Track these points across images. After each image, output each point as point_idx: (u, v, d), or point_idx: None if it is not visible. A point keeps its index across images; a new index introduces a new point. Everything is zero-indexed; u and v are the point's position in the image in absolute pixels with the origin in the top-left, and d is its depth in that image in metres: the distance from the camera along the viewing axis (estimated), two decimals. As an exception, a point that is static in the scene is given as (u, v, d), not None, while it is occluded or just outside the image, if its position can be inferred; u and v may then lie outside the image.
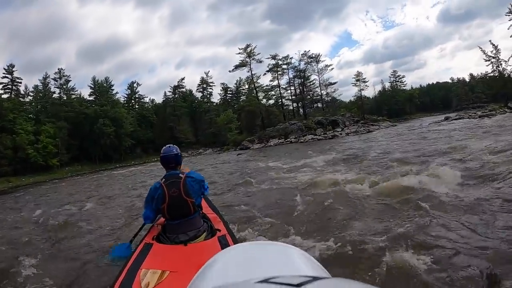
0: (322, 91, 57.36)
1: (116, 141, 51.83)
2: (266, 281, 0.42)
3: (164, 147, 3.61)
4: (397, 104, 74.99)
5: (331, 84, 57.28)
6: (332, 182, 7.62)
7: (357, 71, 69.67)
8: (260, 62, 56.09)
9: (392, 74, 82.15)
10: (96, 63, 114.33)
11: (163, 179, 3.32)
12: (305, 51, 56.33)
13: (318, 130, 41.89)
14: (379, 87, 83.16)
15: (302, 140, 38.90)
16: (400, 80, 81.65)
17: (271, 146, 40.55)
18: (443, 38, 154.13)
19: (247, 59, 55.13)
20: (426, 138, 17.29)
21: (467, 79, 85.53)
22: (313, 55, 55.93)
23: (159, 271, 2.51)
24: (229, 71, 57.74)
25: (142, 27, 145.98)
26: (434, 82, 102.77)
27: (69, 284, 4.13)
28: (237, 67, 56.33)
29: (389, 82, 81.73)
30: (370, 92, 77.99)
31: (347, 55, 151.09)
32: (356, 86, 64.52)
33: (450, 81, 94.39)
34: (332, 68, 60.08)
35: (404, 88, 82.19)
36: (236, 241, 3.11)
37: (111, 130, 50.61)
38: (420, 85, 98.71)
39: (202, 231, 3.29)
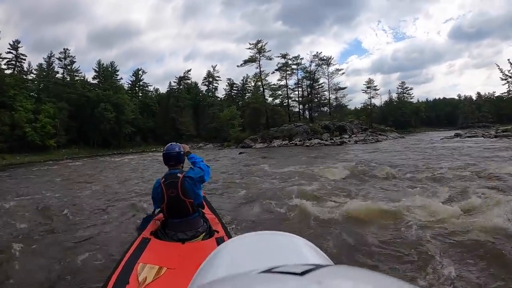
0: (330, 95, 56.58)
1: (116, 127, 50.91)
2: (269, 270, 0.43)
3: (167, 145, 3.58)
4: (403, 116, 74.28)
5: (341, 88, 56.58)
6: (348, 209, 6.26)
7: (369, 78, 69.75)
8: (270, 59, 54.75)
9: (400, 85, 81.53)
10: (105, 49, 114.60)
11: (163, 178, 3.31)
12: (317, 52, 55.55)
13: (324, 135, 40.76)
14: (385, 97, 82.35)
15: (307, 144, 37.65)
16: (407, 92, 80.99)
17: (274, 147, 39.49)
18: (453, 54, 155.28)
19: (257, 55, 53.88)
20: (445, 156, 16.02)
21: (474, 98, 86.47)
22: (325, 58, 55.06)
23: (156, 266, 2.49)
24: (238, 66, 56.35)
25: (155, 16, 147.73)
26: (441, 98, 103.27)
27: (59, 278, 3.96)
28: (246, 62, 54.93)
29: (397, 93, 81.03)
30: (376, 101, 77.38)
31: (355, 63, 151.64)
32: (366, 93, 64.06)
33: (457, 97, 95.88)
34: (343, 73, 59.47)
35: (411, 100, 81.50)
36: None
37: (112, 116, 49.56)
38: (427, 99, 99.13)
39: (201, 232, 3.28)
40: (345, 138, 39.13)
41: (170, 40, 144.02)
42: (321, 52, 55.54)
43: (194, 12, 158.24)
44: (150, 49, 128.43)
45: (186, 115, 60.59)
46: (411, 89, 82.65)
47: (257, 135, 45.76)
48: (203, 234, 3.30)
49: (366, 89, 64.66)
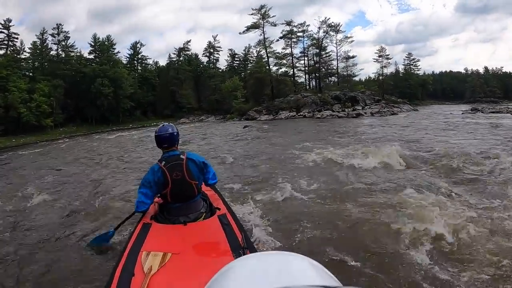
0: (338, 64, 54.00)
1: (114, 103, 49.18)
2: None
3: (159, 126, 3.42)
4: (409, 88, 71.05)
5: (350, 57, 53.82)
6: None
7: (381, 46, 66.63)
8: (275, 25, 51.84)
9: (406, 57, 78.06)
10: (105, 25, 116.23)
11: (163, 162, 3.15)
12: (325, 18, 52.42)
13: (335, 106, 38.16)
14: (390, 69, 79.29)
15: (318, 116, 35.31)
16: (414, 64, 77.86)
17: (281, 119, 37.40)
18: (458, 28, 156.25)
19: (260, 21, 50.64)
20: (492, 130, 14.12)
21: (481, 72, 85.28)
22: (333, 24, 51.96)
23: (160, 253, 2.44)
24: (240, 33, 53.30)
25: None
26: (447, 71, 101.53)
27: (64, 272, 3.86)
28: (249, 28, 51.74)
29: (403, 65, 77.60)
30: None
31: (359, 34, 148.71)
32: (378, 62, 61.21)
33: (463, 71, 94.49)
34: (352, 41, 55.74)
35: (417, 72, 78.69)
36: (236, 219, 3.05)
37: (109, 91, 47.75)
38: (433, 72, 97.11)
39: (202, 213, 3.22)
40: (359, 109, 36.43)
41: (172, 14, 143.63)
42: (329, 18, 52.55)
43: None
44: (152, 24, 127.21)
45: (187, 88, 58.63)
46: (418, 60, 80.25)
47: (261, 107, 43.62)
48: (205, 213, 3.22)
49: (377, 58, 61.97)
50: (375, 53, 63.52)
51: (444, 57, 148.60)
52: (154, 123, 46.95)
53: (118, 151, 16.47)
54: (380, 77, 61.46)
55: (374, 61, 62.61)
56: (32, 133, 38.29)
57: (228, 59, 70.75)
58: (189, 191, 3.15)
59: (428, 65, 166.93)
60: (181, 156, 3.18)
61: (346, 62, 53.64)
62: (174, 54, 64.18)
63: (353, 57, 54.24)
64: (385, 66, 61.31)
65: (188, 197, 3.17)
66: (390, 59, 62.44)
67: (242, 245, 2.56)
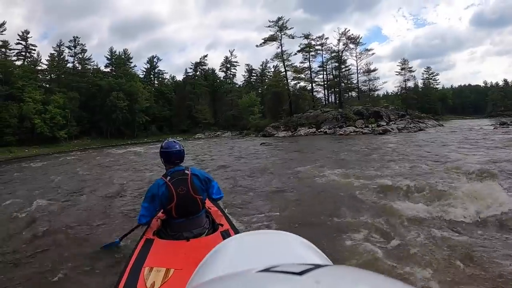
0: (359, 78, 52.11)
1: (129, 116, 48.88)
2: (267, 270, 0.43)
3: (165, 141, 3.39)
4: (428, 103, 68.59)
5: (371, 71, 51.56)
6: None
7: (403, 58, 64.61)
8: (292, 38, 49.83)
9: (425, 71, 76.01)
10: (127, 40, 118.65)
11: (168, 177, 3.09)
12: (345, 29, 50.70)
13: (358, 122, 35.76)
14: (409, 84, 77.30)
15: (341, 133, 32.99)
16: (433, 78, 75.84)
17: (301, 135, 35.49)
18: (474, 41, 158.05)
19: (278, 33, 49.11)
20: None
21: (501, 85, 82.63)
22: (353, 36, 50.05)
23: (163, 269, 2.41)
24: (257, 46, 51.68)
25: (177, 7, 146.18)
26: (463, 85, 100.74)
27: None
28: (266, 40, 49.87)
29: (422, 79, 75.44)
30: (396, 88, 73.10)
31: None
32: (401, 75, 59.27)
33: (482, 84, 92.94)
34: (373, 53, 53.90)
35: (437, 86, 76.71)
36: None
37: (125, 104, 47.54)
38: (451, 86, 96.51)
39: (206, 228, 3.18)
40: (384, 125, 33.88)
41: (192, 30, 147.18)
42: (349, 30, 50.99)
43: (216, 2, 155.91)
44: (172, 40, 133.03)
45: (203, 103, 58.08)
46: (436, 74, 77.37)
47: (279, 122, 41.93)
48: (208, 229, 3.18)
49: (400, 70, 59.66)
50: (397, 65, 61.24)
51: (461, 70, 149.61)
52: (170, 138, 46.82)
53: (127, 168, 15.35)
54: (403, 91, 59.13)
55: (397, 74, 59.76)
56: (46, 145, 38.13)
57: (245, 74, 70.46)
58: (193, 206, 3.13)
59: (445, 79, 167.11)
60: (186, 171, 3.16)
61: (368, 75, 51.58)
62: (191, 68, 64.32)
63: (374, 70, 52.09)
64: (408, 79, 59.09)
65: (192, 212, 3.13)
66: (413, 71, 60.26)
67: None
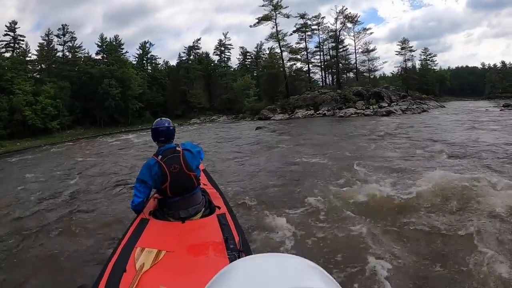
0: (357, 59, 50.81)
1: (123, 103, 47.92)
2: None
3: (156, 120, 3.38)
4: (426, 84, 66.61)
5: (369, 50, 50.10)
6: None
7: (403, 37, 63.17)
8: (288, 17, 48.27)
9: (423, 52, 73.59)
10: (121, 27, 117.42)
11: (160, 156, 3.06)
12: (343, 7, 48.71)
13: (358, 103, 34.53)
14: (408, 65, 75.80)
15: (341, 114, 31.82)
16: (431, 59, 73.94)
17: (298, 118, 34.53)
18: (471, 23, 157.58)
19: (272, 12, 47.22)
20: None
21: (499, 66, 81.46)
22: (350, 15, 48.42)
23: (154, 250, 2.40)
24: (251, 26, 50.04)
25: None
26: (460, 66, 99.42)
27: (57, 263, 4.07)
28: (260, 20, 48.02)
29: (419, 60, 73.14)
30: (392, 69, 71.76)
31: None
32: (401, 55, 58.10)
33: (480, 66, 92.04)
34: (372, 33, 52.54)
35: (434, 68, 74.96)
36: (236, 220, 2.99)
37: (117, 92, 46.57)
38: (449, 67, 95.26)
39: (202, 207, 3.16)
40: (386, 107, 32.67)
41: (186, 15, 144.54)
42: (346, 8, 49.18)
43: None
44: (167, 26, 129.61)
45: (197, 87, 56.95)
46: (434, 55, 75.27)
47: (275, 105, 41.03)
48: (203, 209, 3.16)
49: (400, 50, 58.43)
50: (398, 44, 60.19)
51: (458, 52, 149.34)
52: None
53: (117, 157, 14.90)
54: (403, 72, 57.94)
55: (396, 54, 59.27)
56: (38, 136, 37.29)
57: (240, 57, 69.37)
58: (188, 183, 3.06)
59: (442, 61, 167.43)
60: (177, 149, 3.11)
61: (368, 55, 50.28)
62: (184, 53, 62.99)
63: (373, 50, 50.61)
64: (408, 59, 58.07)
65: (187, 189, 3.07)
66: (413, 51, 59.10)
67: (238, 247, 2.44)
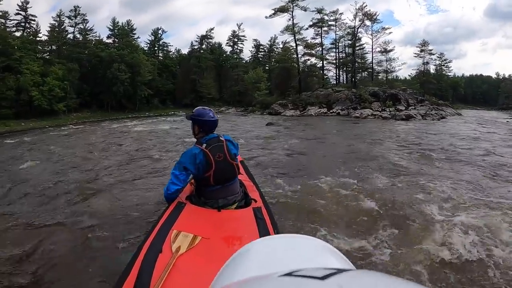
0: (374, 58, 49.58)
1: (131, 89, 47.37)
2: (290, 274, 0.44)
3: (199, 109, 3.33)
4: (440, 90, 62.87)
5: (387, 51, 48.84)
6: None
7: (423, 39, 61.49)
8: (305, 10, 46.77)
9: (438, 57, 68.78)
10: (137, 13, 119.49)
11: (204, 144, 3.07)
12: (363, 3, 47.25)
13: (374, 104, 32.99)
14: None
15: (356, 115, 30.35)
16: (446, 64, 70.33)
17: (311, 115, 33.25)
18: (487, 32, 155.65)
19: (289, 4, 45.77)
20: None
21: None
22: (370, 12, 46.91)
23: (191, 235, 2.40)
24: (266, 17, 49.26)
25: None
26: (474, 74, 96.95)
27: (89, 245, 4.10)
28: (276, 11, 46.63)
29: (434, 65, 68.85)
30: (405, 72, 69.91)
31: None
32: (420, 57, 56.64)
33: (494, 76, 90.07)
34: (390, 32, 51.01)
35: (448, 74, 72.06)
36: (271, 215, 2.92)
37: (126, 77, 45.97)
38: (463, 74, 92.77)
39: (239, 197, 3.16)
40: (404, 110, 31.01)
41: (202, 5, 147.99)
42: (366, 5, 47.32)
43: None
44: (183, 15, 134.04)
45: (208, 77, 56.51)
46: (450, 61, 72.93)
47: (287, 100, 39.82)
48: (240, 201, 3.15)
49: (419, 52, 56.89)
50: (417, 47, 58.72)
51: (472, 61, 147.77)
52: (172, 112, 47.85)
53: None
54: (422, 75, 56.36)
55: (415, 56, 57.96)
56: (44, 118, 36.77)
57: (253, 50, 68.44)
58: (230, 172, 3.09)
59: (455, 68, 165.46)
60: (221, 138, 3.14)
61: (386, 54, 49.06)
62: (196, 41, 62.36)
63: (391, 50, 49.46)
64: (427, 63, 56.56)
65: (229, 178, 3.08)
66: (433, 54, 57.65)
67: None
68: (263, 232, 2.56)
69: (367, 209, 5.09)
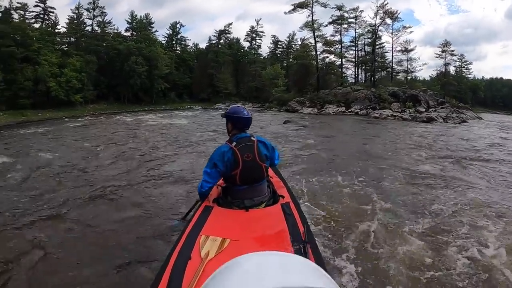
0: (394, 57, 48.34)
1: (148, 82, 47.53)
2: None
3: (234, 107, 3.34)
4: (459, 93, 59.58)
5: (408, 50, 47.51)
6: None
7: (445, 39, 59.58)
8: (325, 7, 45.50)
9: (459, 58, 65.53)
10: (156, 8, 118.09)
11: (234, 143, 3.07)
12: (384, 1, 45.33)
13: (394, 105, 31.97)
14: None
15: (375, 115, 29.48)
16: (466, 66, 67.26)
17: (329, 114, 32.49)
18: (508, 34, 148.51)
19: (309, 0, 44.76)
20: None
21: None
22: (391, 10, 45.34)
23: (219, 238, 2.40)
24: (285, 13, 48.14)
25: None
26: (494, 77, 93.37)
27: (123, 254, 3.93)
28: (296, 7, 45.58)
29: (454, 67, 65.77)
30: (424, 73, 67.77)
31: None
32: (441, 58, 55.09)
33: None
34: (412, 32, 49.82)
35: (468, 76, 69.25)
36: (300, 210, 2.90)
37: (143, 70, 46.13)
38: (483, 77, 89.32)
39: (266, 197, 3.12)
40: (424, 112, 29.75)
41: (222, 0, 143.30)
42: (387, 3, 45.68)
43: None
44: (200, 10, 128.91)
45: (225, 72, 56.05)
46: (470, 63, 69.77)
47: (304, 97, 39.14)
48: (267, 199, 3.12)
49: (440, 53, 55.17)
50: (438, 47, 56.78)
51: (492, 63, 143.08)
52: (188, 106, 48.37)
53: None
54: (443, 76, 54.75)
55: (436, 57, 56.23)
56: (61, 108, 37.13)
57: (271, 46, 67.61)
58: (258, 173, 3.05)
59: (475, 70, 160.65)
60: (252, 138, 3.11)
61: (407, 54, 47.81)
62: (214, 36, 62.00)
63: (412, 49, 48.05)
64: (448, 63, 54.95)
65: (256, 179, 3.06)
66: (454, 55, 56.00)
67: (303, 238, 2.37)
68: (293, 228, 2.53)
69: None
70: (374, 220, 4.75)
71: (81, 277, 3.49)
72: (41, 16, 46.04)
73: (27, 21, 42.38)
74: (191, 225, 2.64)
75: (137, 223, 4.80)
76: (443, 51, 54.94)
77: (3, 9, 38.60)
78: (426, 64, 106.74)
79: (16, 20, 39.59)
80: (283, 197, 3.13)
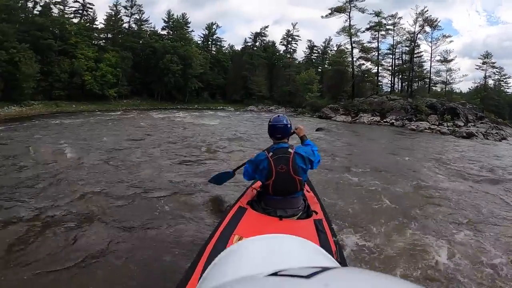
0: (432, 67, 46.11)
1: (182, 81, 47.80)
2: (275, 274, 0.43)
3: (273, 116, 3.37)
4: (497, 107, 54.77)
5: (448, 60, 45.11)
6: None
7: (486, 51, 56.79)
8: (363, 12, 44.19)
9: (498, 72, 60.10)
10: (194, 8, 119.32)
11: (271, 153, 3.08)
12: (424, 7, 43.91)
13: (431, 117, 30.26)
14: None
15: (412, 127, 27.75)
16: (505, 80, 61.66)
17: (363, 123, 31.08)
18: None
19: (347, 4, 43.49)
20: None
21: None
22: (431, 18, 43.47)
23: None
24: (322, 17, 47.44)
25: None
26: None
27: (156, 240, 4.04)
28: (333, 11, 44.36)
29: (493, 80, 60.88)
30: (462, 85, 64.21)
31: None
32: (482, 70, 52.53)
33: None
34: (452, 41, 47.66)
35: (507, 90, 63.65)
36: (332, 229, 2.87)
37: (178, 68, 46.36)
38: None
39: (300, 211, 3.08)
40: (463, 126, 27.96)
41: (259, 4, 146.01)
42: (427, 10, 43.88)
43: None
44: (238, 12, 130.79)
45: (260, 75, 55.61)
46: (509, 77, 62.46)
47: (338, 105, 38.00)
48: (301, 213, 3.09)
49: (481, 64, 52.27)
50: (479, 58, 53.81)
51: None
52: (221, 107, 48.76)
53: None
54: (484, 89, 51.92)
55: (477, 69, 53.39)
56: (95, 102, 38.04)
57: (306, 50, 66.61)
58: (291, 186, 3.01)
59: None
60: (289, 150, 3.05)
61: (448, 64, 45.52)
62: (250, 38, 62.05)
63: (452, 60, 45.76)
64: (489, 76, 52.05)
65: (289, 192, 3.03)
66: (495, 68, 53.13)
67: (336, 258, 2.27)
68: (325, 247, 2.37)
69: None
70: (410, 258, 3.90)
71: (117, 267, 3.48)
72: (80, 11, 47.27)
73: (66, 15, 43.48)
74: (224, 224, 2.67)
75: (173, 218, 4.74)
76: (483, 63, 52.11)
77: (43, 3, 39.69)
78: (466, 76, 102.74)
79: (55, 14, 40.66)
80: (316, 212, 3.08)
